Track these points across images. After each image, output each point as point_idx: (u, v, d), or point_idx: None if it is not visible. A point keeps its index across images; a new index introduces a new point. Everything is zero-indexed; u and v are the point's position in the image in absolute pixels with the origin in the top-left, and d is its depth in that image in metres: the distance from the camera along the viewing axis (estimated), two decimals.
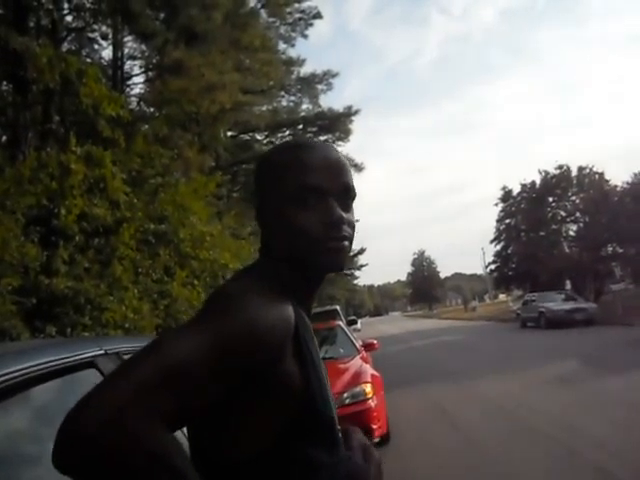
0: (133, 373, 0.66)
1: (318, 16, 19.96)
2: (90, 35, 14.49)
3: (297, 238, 0.87)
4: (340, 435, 0.91)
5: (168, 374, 0.66)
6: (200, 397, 0.70)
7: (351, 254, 0.95)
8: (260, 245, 0.99)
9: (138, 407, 0.63)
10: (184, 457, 0.68)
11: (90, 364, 1.45)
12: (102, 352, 1.53)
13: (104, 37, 14.18)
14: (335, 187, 0.90)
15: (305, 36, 20.39)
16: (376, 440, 5.24)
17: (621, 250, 27.01)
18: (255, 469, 0.77)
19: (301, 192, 0.88)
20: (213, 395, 0.71)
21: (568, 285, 27.64)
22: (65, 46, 12.52)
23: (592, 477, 4.03)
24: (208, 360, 0.70)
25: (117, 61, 14.74)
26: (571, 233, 30.82)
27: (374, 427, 5.16)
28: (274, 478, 0.78)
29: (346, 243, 0.90)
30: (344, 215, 0.90)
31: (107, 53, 15.18)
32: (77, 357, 1.41)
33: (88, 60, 13.54)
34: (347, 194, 0.93)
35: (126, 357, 1.64)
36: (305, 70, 22.17)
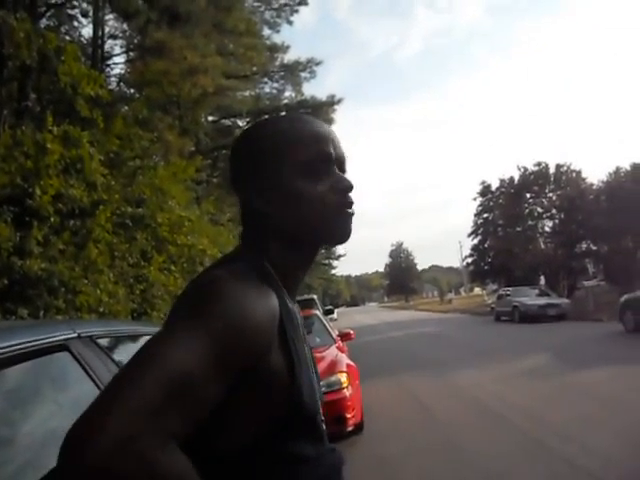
0: (135, 395, 0.61)
1: (303, 2, 19.77)
2: (70, 12, 14.15)
3: (311, 209, 0.86)
4: (324, 427, 0.89)
5: (171, 390, 0.63)
6: (205, 407, 0.67)
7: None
8: (243, 229, 0.94)
9: (148, 433, 0.59)
10: (197, 476, 0.65)
11: (63, 347, 1.42)
12: (75, 335, 1.50)
13: (84, 14, 13.83)
14: (337, 158, 0.90)
15: (290, 22, 20.17)
16: (350, 429, 5.29)
17: (595, 247, 27.57)
18: (240, 462, 0.75)
19: (312, 162, 0.87)
20: (217, 399, 0.69)
21: (542, 280, 28.16)
22: (44, 22, 12.21)
23: (559, 468, 4.11)
24: (207, 365, 0.66)
25: (97, 40, 14.36)
26: (547, 229, 31.33)
27: (348, 416, 5.20)
28: (259, 472, 0.77)
29: (354, 209, 0.90)
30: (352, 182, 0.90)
31: (87, 31, 14.83)
32: (50, 340, 1.39)
33: (67, 38, 13.24)
34: (344, 164, 0.93)
35: (100, 341, 1.61)
36: (289, 57, 21.99)
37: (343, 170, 0.92)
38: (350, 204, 0.89)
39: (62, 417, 1.47)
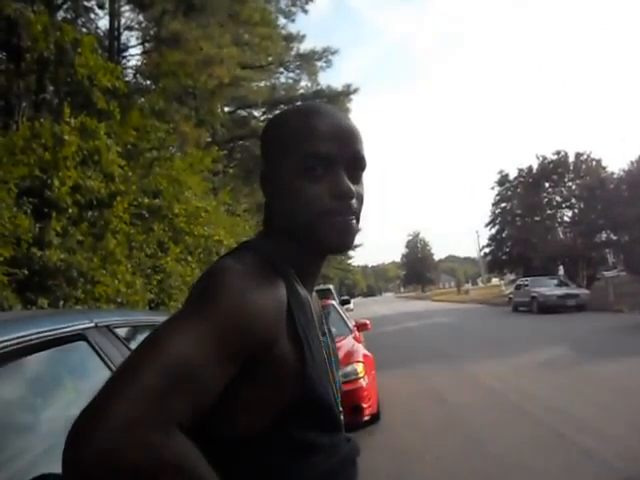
0: (139, 381, 0.61)
1: None
2: (86, 4, 14.17)
3: (301, 210, 0.82)
4: (342, 417, 0.88)
5: (175, 376, 0.63)
6: (209, 392, 0.67)
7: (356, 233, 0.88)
8: (263, 216, 0.94)
9: (154, 419, 0.60)
10: (205, 462, 0.65)
11: (80, 336, 1.44)
12: (92, 325, 1.52)
13: (101, 6, 13.85)
14: (345, 156, 0.84)
15: (305, 11, 20.06)
16: (366, 419, 5.30)
17: (615, 237, 27.13)
18: (251, 451, 0.75)
19: (309, 160, 0.82)
20: (220, 386, 0.69)
21: (561, 270, 27.84)
22: (61, 14, 12.25)
23: (577, 459, 4.08)
24: (208, 350, 0.67)
25: (113, 31, 14.43)
26: (566, 219, 30.90)
27: (364, 406, 5.21)
28: (272, 458, 0.76)
29: (353, 220, 0.85)
30: (353, 187, 0.83)
31: (103, 23, 14.87)
32: (67, 329, 1.40)
33: (84, 30, 13.30)
34: (357, 164, 0.86)
35: (117, 330, 1.62)
36: (305, 46, 21.88)
37: (357, 171, 0.87)
38: (347, 211, 0.83)
39: (79, 405, 1.49)
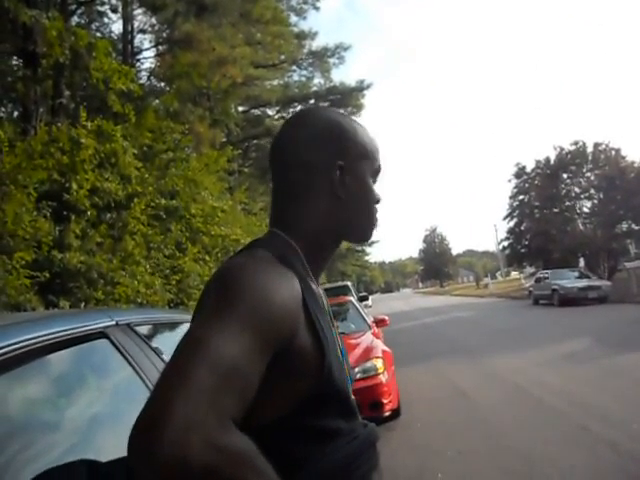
0: (193, 381, 0.63)
1: None
2: (100, 8, 14.36)
3: (368, 208, 0.98)
4: (355, 404, 0.92)
5: (224, 374, 0.66)
6: (253, 386, 0.70)
7: None
8: (283, 210, 0.96)
9: (214, 416, 0.62)
10: (260, 454, 0.67)
11: (102, 334, 1.46)
12: (113, 323, 1.54)
13: (114, 10, 14.01)
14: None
15: (317, 8, 20.06)
16: (386, 414, 5.28)
17: (636, 227, 26.71)
18: (272, 435, 0.77)
19: (377, 171, 1.01)
20: (259, 379, 0.71)
21: (581, 262, 27.46)
22: (75, 20, 12.42)
23: (602, 452, 4.02)
24: (248, 348, 0.70)
25: (127, 35, 14.59)
26: (585, 210, 30.51)
27: (384, 401, 5.19)
28: (292, 445, 0.79)
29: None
30: None
31: (117, 27, 15.17)
32: (89, 327, 1.42)
33: (98, 34, 13.46)
34: (377, 177, 1.03)
35: (137, 328, 1.64)
36: (317, 44, 21.89)
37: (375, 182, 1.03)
38: (378, 216, 1.02)
39: (102, 402, 1.51)
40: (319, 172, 0.93)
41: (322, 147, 0.93)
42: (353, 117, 1.05)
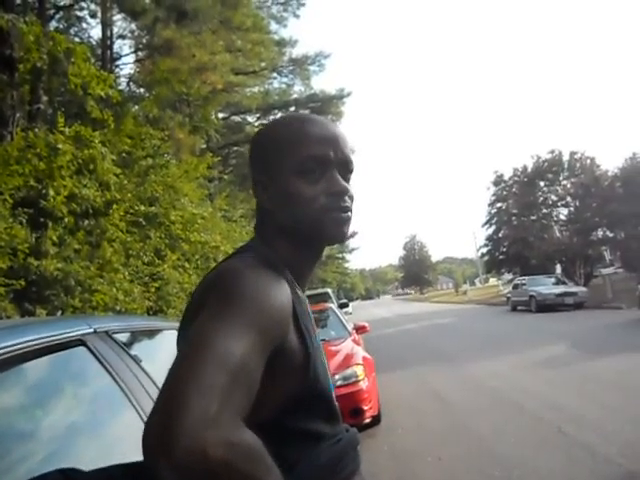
0: (203, 381, 0.64)
1: None
2: (78, 13, 14.25)
3: (303, 209, 0.90)
4: (338, 409, 0.93)
5: (232, 373, 0.66)
6: (257, 384, 0.71)
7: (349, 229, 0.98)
8: (256, 223, 0.99)
9: (225, 414, 0.63)
10: (266, 450, 0.68)
11: (80, 342, 1.44)
12: (91, 330, 1.52)
13: (93, 15, 13.94)
14: (338, 159, 0.92)
15: (297, 16, 20.13)
16: (367, 421, 5.29)
17: (611, 234, 27.21)
18: (260, 436, 0.77)
19: (307, 163, 0.90)
20: (261, 377, 0.72)
21: (558, 269, 27.86)
22: (53, 25, 12.29)
23: (578, 455, 4.08)
24: (253, 347, 0.71)
25: (106, 40, 14.46)
26: (562, 217, 30.98)
27: (365, 408, 5.19)
28: (277, 447, 0.78)
29: (349, 214, 0.94)
30: (347, 186, 0.93)
31: (96, 32, 14.94)
32: (66, 335, 1.41)
33: (77, 39, 13.31)
34: (347, 167, 0.95)
35: (116, 335, 1.62)
36: (297, 51, 21.96)
37: (347, 173, 0.95)
38: (343, 208, 0.91)
39: (80, 411, 1.49)
40: (257, 189, 0.96)
41: (254, 166, 0.98)
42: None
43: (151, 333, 2.08)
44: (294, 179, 0.90)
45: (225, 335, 0.70)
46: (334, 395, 0.93)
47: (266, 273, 0.82)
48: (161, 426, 0.61)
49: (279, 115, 22.53)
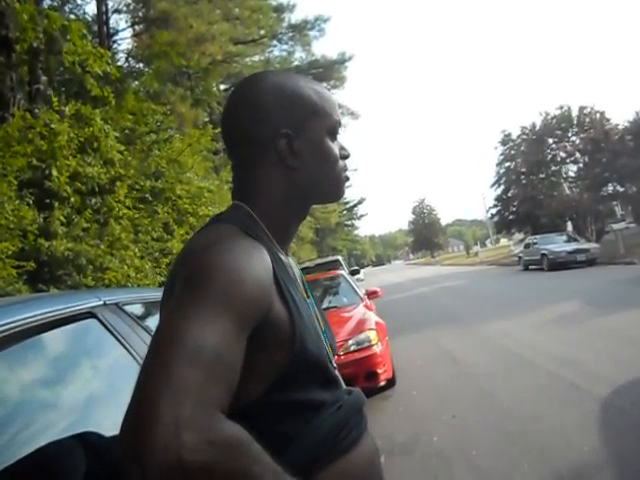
0: (175, 377, 0.61)
1: None
2: None
3: (334, 166, 0.94)
4: (338, 373, 0.92)
5: (206, 365, 0.64)
6: (236, 370, 0.68)
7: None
8: (240, 183, 0.94)
9: (202, 410, 0.60)
10: (254, 441, 0.66)
11: (90, 314, 1.46)
12: (101, 303, 1.53)
13: None
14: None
15: None
16: (382, 384, 5.36)
17: (622, 189, 26.88)
18: (256, 415, 0.75)
19: (335, 127, 0.95)
20: (241, 360, 0.70)
21: (569, 226, 27.69)
22: (47, 2, 12.09)
23: (593, 408, 4.11)
24: (227, 332, 0.68)
25: (102, 16, 14.23)
26: (571, 174, 30.62)
27: (379, 372, 5.25)
28: (276, 421, 0.78)
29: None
30: None
31: (91, 8, 14.74)
32: (76, 307, 1.42)
33: (72, 16, 13.12)
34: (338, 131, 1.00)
35: (126, 307, 1.64)
36: (296, 16, 21.52)
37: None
38: (348, 169, 1.00)
39: (95, 380, 1.52)
40: (266, 146, 0.89)
41: (264, 120, 0.89)
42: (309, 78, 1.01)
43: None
44: (327, 141, 0.93)
45: (195, 324, 0.66)
46: (333, 359, 0.91)
47: (241, 244, 0.78)
48: (133, 431, 0.59)
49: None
